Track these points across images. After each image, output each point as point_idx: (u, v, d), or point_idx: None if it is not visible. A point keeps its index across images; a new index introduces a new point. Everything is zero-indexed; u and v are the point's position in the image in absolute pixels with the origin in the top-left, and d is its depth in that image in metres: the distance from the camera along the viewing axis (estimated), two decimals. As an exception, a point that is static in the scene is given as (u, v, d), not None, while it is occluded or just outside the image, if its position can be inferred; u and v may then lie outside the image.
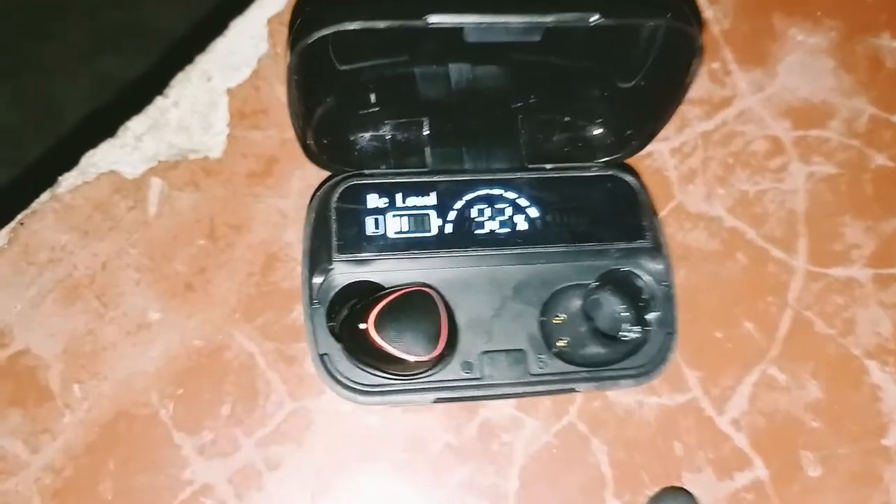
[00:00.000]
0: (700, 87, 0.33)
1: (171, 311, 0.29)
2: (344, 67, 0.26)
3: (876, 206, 0.32)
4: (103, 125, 0.32)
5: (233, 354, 0.28)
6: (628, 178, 0.27)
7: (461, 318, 0.26)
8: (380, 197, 0.26)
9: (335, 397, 0.28)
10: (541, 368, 0.25)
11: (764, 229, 0.31)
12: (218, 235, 0.30)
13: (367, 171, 0.27)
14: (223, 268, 0.29)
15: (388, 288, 0.25)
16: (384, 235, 0.25)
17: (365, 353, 0.24)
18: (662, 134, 0.32)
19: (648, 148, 0.32)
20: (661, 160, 0.32)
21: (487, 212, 0.26)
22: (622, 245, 0.26)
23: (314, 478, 0.27)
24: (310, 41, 0.21)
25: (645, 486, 0.28)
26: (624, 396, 0.29)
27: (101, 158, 0.31)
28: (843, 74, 0.34)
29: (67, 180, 0.30)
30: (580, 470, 0.28)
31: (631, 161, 0.30)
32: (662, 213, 0.31)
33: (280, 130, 0.31)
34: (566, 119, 0.28)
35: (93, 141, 0.32)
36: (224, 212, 0.30)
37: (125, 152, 0.31)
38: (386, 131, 0.28)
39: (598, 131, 0.28)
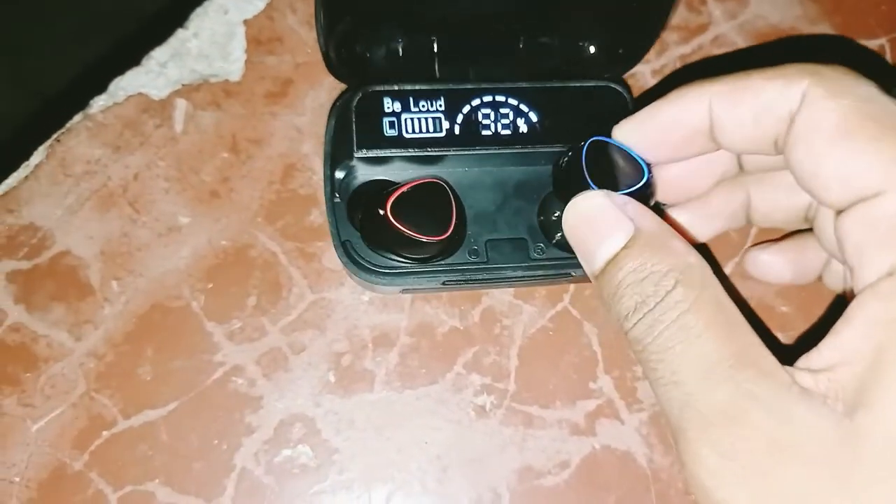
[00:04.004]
0: (678, 15, 0.36)
1: (199, 216, 0.31)
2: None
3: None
4: (129, 57, 0.35)
5: (257, 253, 0.31)
6: (619, 88, 0.30)
7: (468, 212, 0.29)
8: (395, 101, 0.28)
9: (352, 290, 0.31)
10: (540, 255, 0.28)
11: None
12: (240, 149, 0.32)
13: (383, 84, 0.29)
14: (245, 177, 0.32)
15: (405, 181, 0.27)
16: (400, 136, 0.28)
17: (382, 238, 0.27)
18: (644, 57, 0.35)
19: (632, 70, 0.35)
20: (643, 80, 0.35)
21: (492, 115, 0.28)
22: (613, 146, 0.29)
23: (335, 360, 0.30)
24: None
25: (632, 363, 0.31)
26: (613, 286, 0.31)
27: (128, 83, 0.33)
28: (809, 3, 0.37)
29: (98, 103, 0.33)
30: (574, 349, 0.31)
31: (616, 78, 0.33)
32: (645, 127, 0.34)
33: (294, 55, 0.34)
34: (563, 39, 0.31)
35: (120, 69, 0.34)
36: (245, 128, 0.33)
37: (150, 78, 0.33)
38: (398, 48, 0.31)
39: (592, 49, 0.31)
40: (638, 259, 0.20)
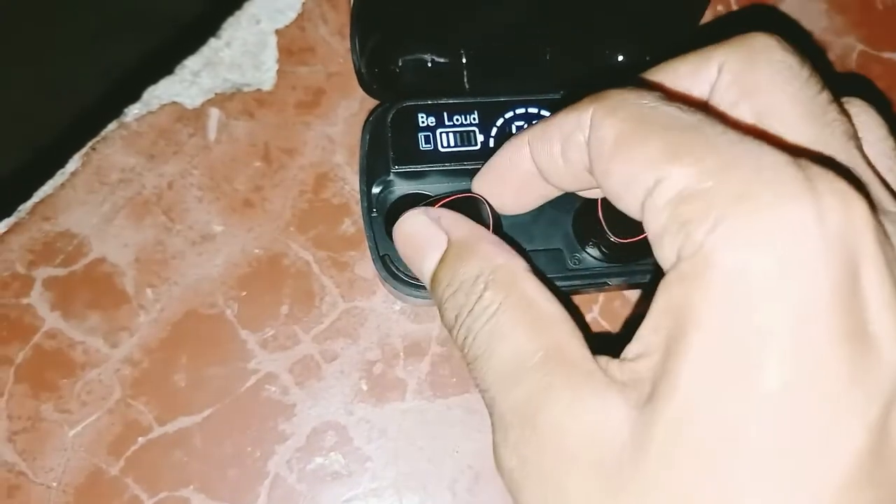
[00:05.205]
0: (706, 27, 0.36)
1: (232, 225, 0.32)
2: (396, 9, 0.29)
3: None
4: (162, 66, 0.35)
5: (290, 261, 0.31)
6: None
7: (504, 224, 0.29)
8: (429, 116, 0.28)
9: (384, 299, 0.31)
10: (576, 265, 0.28)
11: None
12: (272, 158, 0.33)
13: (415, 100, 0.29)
14: (278, 186, 0.32)
15: (441, 195, 0.27)
16: (435, 150, 0.28)
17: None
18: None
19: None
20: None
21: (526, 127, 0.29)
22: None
23: (367, 369, 0.30)
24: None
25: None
26: (642, 297, 0.32)
27: (162, 92, 0.34)
28: (835, 15, 0.37)
29: (133, 111, 0.33)
30: (604, 360, 0.31)
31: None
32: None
33: (325, 66, 0.34)
34: (590, 48, 0.31)
35: (153, 78, 0.35)
36: (277, 137, 0.33)
37: (184, 87, 0.34)
38: (428, 62, 0.31)
39: (620, 57, 0.31)
40: (450, 270, 0.20)
